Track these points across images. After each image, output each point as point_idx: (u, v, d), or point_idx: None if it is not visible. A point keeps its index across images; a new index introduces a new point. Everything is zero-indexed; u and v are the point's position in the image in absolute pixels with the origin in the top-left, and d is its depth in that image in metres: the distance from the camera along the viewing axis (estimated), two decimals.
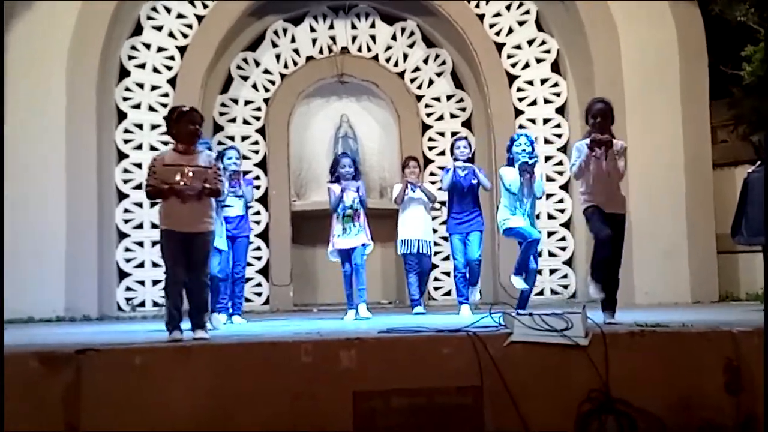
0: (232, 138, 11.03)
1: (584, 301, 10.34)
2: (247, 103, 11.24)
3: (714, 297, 9.94)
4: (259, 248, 10.83)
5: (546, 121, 10.97)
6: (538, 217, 10.57)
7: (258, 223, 10.80)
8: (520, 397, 4.33)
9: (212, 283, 6.68)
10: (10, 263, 9.05)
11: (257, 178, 10.93)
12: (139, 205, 10.28)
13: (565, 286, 10.87)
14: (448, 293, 10.86)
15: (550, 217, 10.86)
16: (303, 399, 4.26)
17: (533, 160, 7.45)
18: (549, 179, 10.82)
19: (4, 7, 6.45)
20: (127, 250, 10.31)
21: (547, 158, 10.88)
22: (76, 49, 9.84)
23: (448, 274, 10.93)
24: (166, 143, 10.23)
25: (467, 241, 7.99)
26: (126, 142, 10.41)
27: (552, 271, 10.81)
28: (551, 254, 10.83)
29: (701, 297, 9.87)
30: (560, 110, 11.01)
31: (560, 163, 10.87)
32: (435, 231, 9.31)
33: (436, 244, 9.60)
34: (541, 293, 10.72)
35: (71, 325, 8.42)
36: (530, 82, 11.02)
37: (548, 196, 10.84)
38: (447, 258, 10.78)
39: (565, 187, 10.87)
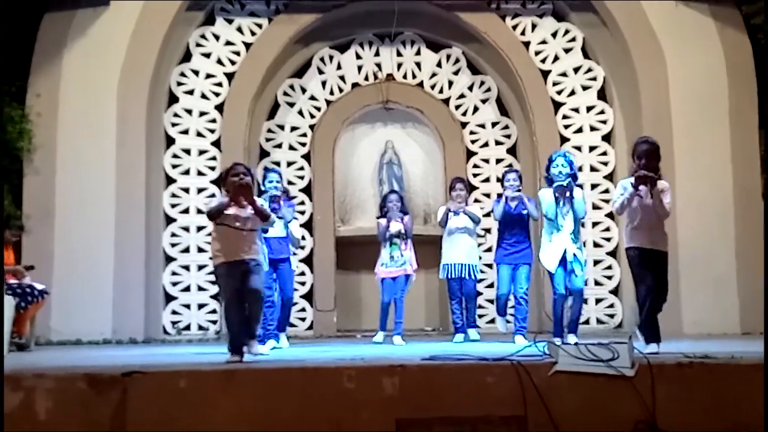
0: (277, 163, 11.13)
1: (630, 330, 10.22)
2: (293, 129, 11.35)
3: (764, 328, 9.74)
4: (303, 273, 10.88)
5: (592, 148, 10.92)
6: (583, 245, 10.58)
7: (303, 248, 10.84)
8: (565, 427, 4.27)
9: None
10: (59, 286, 9.29)
11: (302, 203, 11.02)
12: (186, 229, 10.42)
13: (612, 316, 10.75)
14: (492, 321, 10.79)
15: (596, 245, 10.78)
16: (345, 425, 4.24)
17: (567, 181, 7.09)
18: (595, 207, 10.76)
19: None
20: (174, 273, 10.43)
21: (593, 186, 10.82)
22: (126, 75, 10.03)
23: (491, 301, 10.88)
24: (213, 168, 10.44)
25: (515, 273, 7.84)
26: (174, 167, 10.57)
27: (598, 301, 10.70)
28: (597, 283, 10.73)
29: (751, 328, 9.66)
30: (606, 138, 10.95)
31: (606, 191, 10.79)
32: (480, 258, 9.23)
33: (481, 271, 9.52)
34: (587, 322, 10.62)
35: (118, 348, 8.52)
36: (576, 110, 10.99)
37: (594, 224, 10.78)
38: (491, 285, 10.75)
39: (611, 215, 10.77)
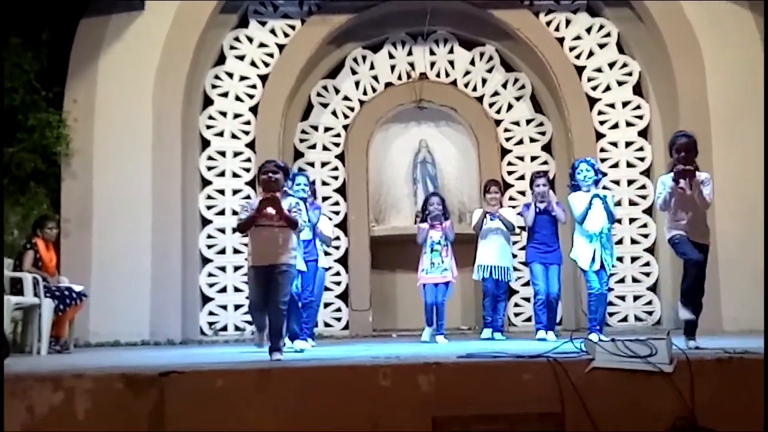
0: (312, 164, 11.16)
1: (669, 327, 10.11)
2: (326, 129, 11.36)
3: None
4: (338, 273, 10.89)
5: (628, 144, 10.80)
6: (620, 242, 10.47)
7: (337, 248, 10.86)
8: (603, 424, 4.22)
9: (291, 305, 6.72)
10: (97, 288, 9.38)
11: (336, 203, 11.05)
12: (222, 230, 10.48)
13: (650, 313, 10.63)
14: (529, 319, 10.72)
15: (634, 242, 10.67)
16: (382, 423, 4.24)
17: (604, 194, 7.36)
18: (632, 203, 10.68)
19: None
20: (210, 275, 10.50)
21: (630, 182, 10.72)
22: (161, 79, 10.12)
23: (528, 299, 10.81)
24: (248, 170, 10.50)
25: (547, 273, 7.93)
26: (209, 169, 10.64)
27: (636, 297, 10.60)
28: (635, 280, 10.63)
29: None
30: (643, 133, 10.83)
31: (643, 186, 10.69)
32: (515, 256, 9.24)
33: (515, 269, 9.52)
34: (625, 319, 10.54)
35: (155, 349, 8.59)
36: (611, 105, 10.88)
37: (632, 220, 10.67)
38: (527, 284, 10.67)
39: (648, 211, 10.66)
